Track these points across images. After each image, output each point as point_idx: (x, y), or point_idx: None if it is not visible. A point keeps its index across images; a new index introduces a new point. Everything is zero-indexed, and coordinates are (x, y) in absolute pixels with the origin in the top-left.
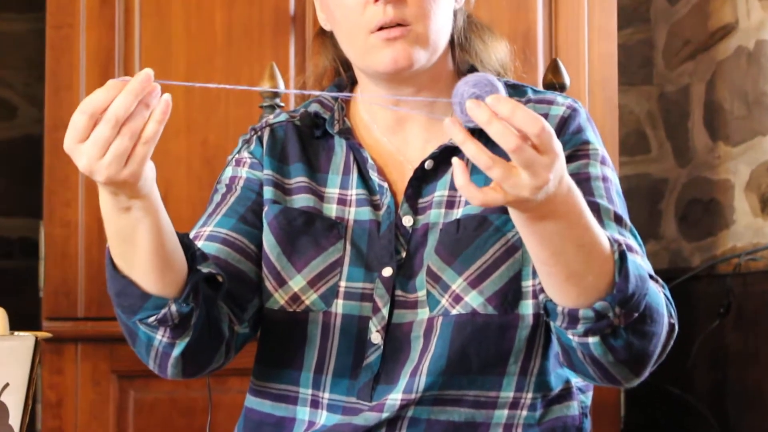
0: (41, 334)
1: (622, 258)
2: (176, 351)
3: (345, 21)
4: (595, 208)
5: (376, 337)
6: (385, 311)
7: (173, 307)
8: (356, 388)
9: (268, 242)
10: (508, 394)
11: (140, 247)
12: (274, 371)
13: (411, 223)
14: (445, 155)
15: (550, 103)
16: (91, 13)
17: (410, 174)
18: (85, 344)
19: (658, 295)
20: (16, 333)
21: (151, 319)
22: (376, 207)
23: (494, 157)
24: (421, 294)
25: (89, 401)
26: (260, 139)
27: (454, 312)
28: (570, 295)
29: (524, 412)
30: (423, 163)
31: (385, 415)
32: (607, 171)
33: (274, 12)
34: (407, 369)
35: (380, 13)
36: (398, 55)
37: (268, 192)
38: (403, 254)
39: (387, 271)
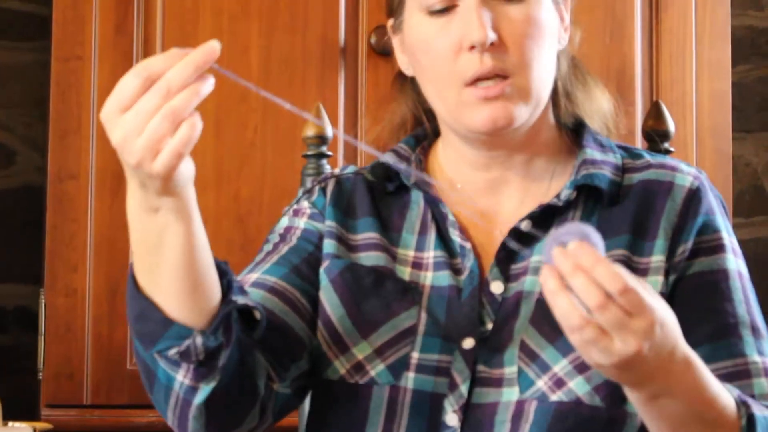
0: (40, 425)
1: (750, 423)
2: (199, 398)
3: (433, 70)
4: (734, 322)
5: (452, 419)
6: (464, 388)
7: (198, 340)
8: None
9: (330, 302)
10: None
11: (167, 259)
12: None
13: (501, 290)
14: (544, 216)
15: (674, 170)
16: (104, 43)
17: (501, 236)
18: None
19: None
20: (10, 424)
21: (173, 351)
22: (456, 272)
23: (589, 318)
24: (510, 371)
25: None
26: (323, 190)
27: (554, 398)
28: None
29: None
30: (519, 223)
31: None
32: (741, 264)
33: (321, 42)
34: None
35: (476, 63)
36: (497, 114)
37: (329, 246)
38: (489, 325)
39: (468, 343)
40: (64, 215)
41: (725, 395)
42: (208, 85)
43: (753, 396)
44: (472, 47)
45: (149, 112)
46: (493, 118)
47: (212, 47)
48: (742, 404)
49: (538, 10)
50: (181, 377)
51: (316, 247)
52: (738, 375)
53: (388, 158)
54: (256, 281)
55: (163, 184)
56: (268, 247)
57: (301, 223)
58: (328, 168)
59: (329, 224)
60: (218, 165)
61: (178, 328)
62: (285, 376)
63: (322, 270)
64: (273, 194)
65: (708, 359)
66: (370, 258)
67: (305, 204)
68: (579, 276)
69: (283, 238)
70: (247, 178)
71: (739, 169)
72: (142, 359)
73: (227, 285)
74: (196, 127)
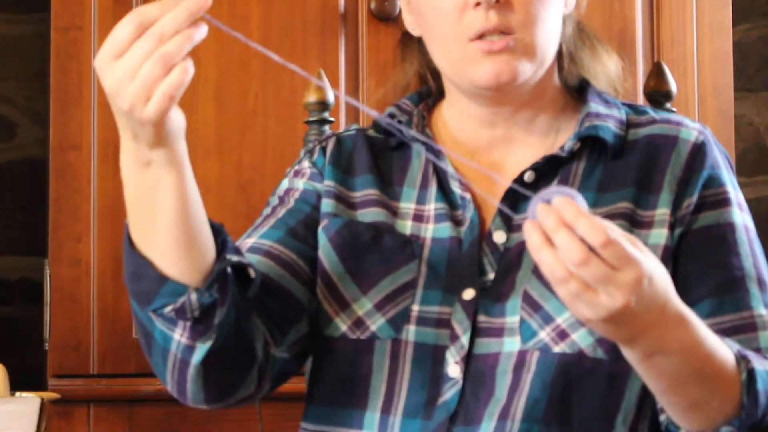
0: (47, 395)
1: (751, 378)
2: (196, 357)
3: (438, 27)
4: (740, 275)
5: (453, 370)
6: (464, 339)
7: (194, 296)
8: (429, 429)
9: (329, 260)
10: None
11: (161, 213)
12: (331, 412)
13: (503, 240)
14: (549, 167)
15: (678, 124)
16: (104, 13)
17: (503, 188)
18: (99, 406)
19: None
20: (17, 394)
21: (168, 308)
22: (457, 223)
23: (573, 271)
24: (511, 320)
25: None
26: (324, 149)
27: (556, 349)
28: (693, 421)
29: None
30: (522, 174)
31: None
32: (747, 218)
33: (321, 9)
34: (492, 409)
35: (481, 19)
36: (501, 68)
37: (327, 205)
38: (491, 275)
39: (468, 294)
40: (67, 186)
41: (724, 350)
42: (201, 32)
43: (759, 349)
44: (478, 4)
45: (142, 57)
46: (496, 73)
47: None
48: (741, 359)
49: None
50: (178, 336)
51: (315, 208)
52: (744, 328)
53: (388, 118)
54: (253, 246)
55: (155, 131)
56: (267, 210)
57: (300, 184)
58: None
59: (327, 183)
60: (220, 133)
61: (173, 285)
62: (283, 340)
63: (320, 229)
64: (275, 161)
65: (713, 313)
66: (369, 214)
67: (306, 164)
68: (561, 231)
69: (281, 200)
70: (249, 145)
71: (741, 129)
72: (139, 321)
73: (222, 244)
74: (188, 71)
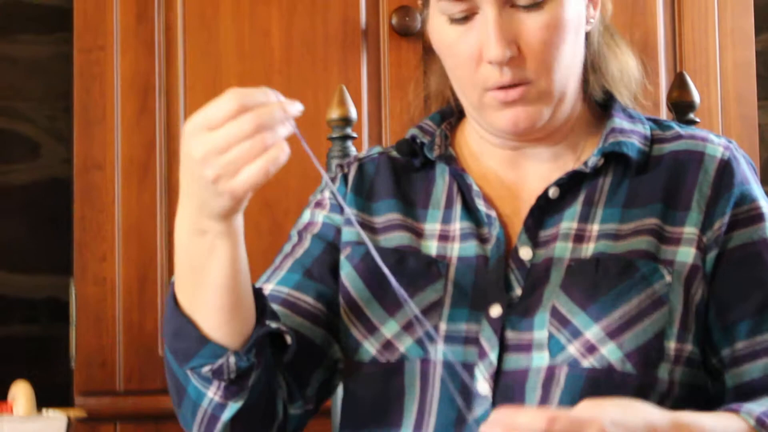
0: (74, 413)
1: None
2: (226, 414)
3: (455, 73)
4: None
5: (483, 388)
6: (493, 356)
7: (232, 359)
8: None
9: (355, 286)
10: None
11: (211, 280)
12: None
13: (530, 256)
14: (574, 183)
15: (704, 140)
16: (126, 33)
17: (528, 205)
18: (126, 423)
19: None
20: (45, 411)
21: (206, 368)
22: (483, 241)
23: None
24: (539, 335)
25: None
26: (345, 177)
27: (585, 364)
28: None
29: None
30: (547, 190)
31: None
32: None
33: (342, 24)
34: None
35: (497, 74)
36: (519, 116)
37: (348, 234)
38: (518, 291)
39: (495, 311)
40: (92, 206)
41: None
42: (289, 129)
43: None
44: (491, 62)
45: (239, 136)
46: (514, 121)
47: (299, 109)
48: (761, 427)
49: (559, 11)
50: (212, 394)
51: (332, 244)
52: None
53: (410, 140)
54: (271, 294)
55: (231, 204)
56: (287, 248)
57: (321, 217)
58: (353, 150)
59: (349, 211)
60: None
61: (213, 347)
62: (303, 394)
63: (343, 258)
64: (299, 177)
65: (752, 332)
66: (392, 239)
67: (327, 194)
68: None
69: (300, 237)
70: None
71: (765, 137)
72: (174, 375)
73: (261, 308)
74: (284, 152)
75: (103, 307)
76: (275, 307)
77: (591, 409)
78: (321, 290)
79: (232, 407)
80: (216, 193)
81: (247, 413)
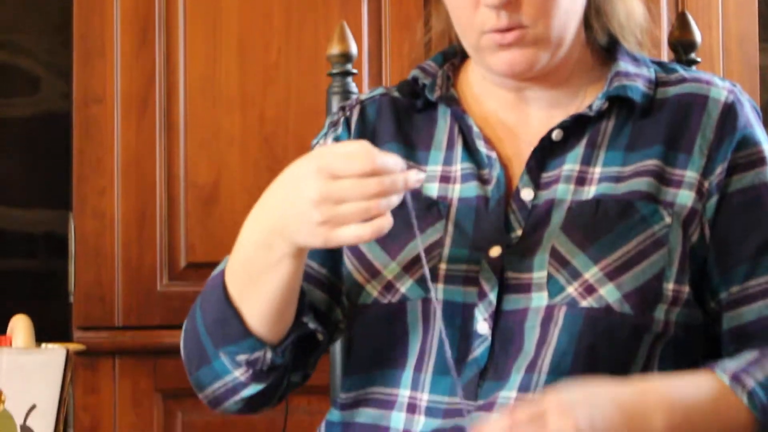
0: (73, 347)
1: (752, 398)
2: (247, 392)
3: (456, 13)
4: None
5: (482, 327)
6: (492, 296)
7: (269, 355)
8: (460, 385)
9: None
10: None
11: (268, 288)
12: (369, 375)
13: (531, 197)
14: (577, 126)
15: (708, 83)
16: None
17: (530, 147)
18: (125, 358)
19: None
20: (43, 345)
21: (241, 357)
22: (484, 181)
23: None
24: (539, 276)
25: (129, 425)
26: (348, 121)
27: (584, 304)
28: None
29: None
30: (550, 132)
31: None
32: None
33: None
34: (521, 363)
35: (493, 17)
36: (515, 59)
37: None
38: (518, 232)
39: (495, 251)
40: (91, 139)
41: (715, 390)
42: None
43: None
44: (488, 5)
45: (359, 196)
46: (510, 64)
47: (419, 179)
48: (736, 384)
49: None
50: (239, 374)
51: None
52: None
53: (412, 81)
54: None
55: (320, 245)
56: None
57: None
58: (353, 86)
59: None
60: (242, 86)
61: (253, 341)
62: (303, 364)
63: None
64: (298, 114)
65: (748, 276)
66: None
67: (330, 142)
68: None
69: None
70: (272, 98)
71: (767, 80)
72: (201, 346)
73: (300, 306)
74: (389, 223)
75: (101, 242)
76: None
77: (553, 397)
78: (325, 254)
79: (254, 388)
80: (313, 233)
81: (264, 392)
